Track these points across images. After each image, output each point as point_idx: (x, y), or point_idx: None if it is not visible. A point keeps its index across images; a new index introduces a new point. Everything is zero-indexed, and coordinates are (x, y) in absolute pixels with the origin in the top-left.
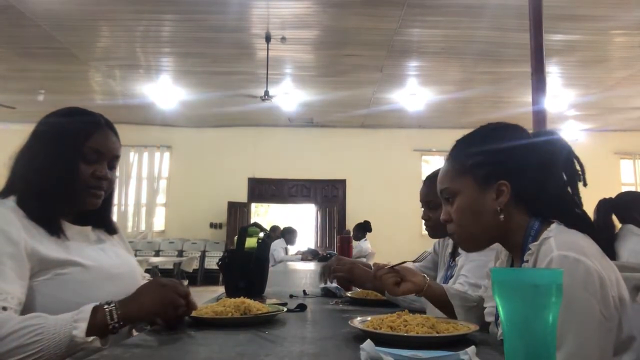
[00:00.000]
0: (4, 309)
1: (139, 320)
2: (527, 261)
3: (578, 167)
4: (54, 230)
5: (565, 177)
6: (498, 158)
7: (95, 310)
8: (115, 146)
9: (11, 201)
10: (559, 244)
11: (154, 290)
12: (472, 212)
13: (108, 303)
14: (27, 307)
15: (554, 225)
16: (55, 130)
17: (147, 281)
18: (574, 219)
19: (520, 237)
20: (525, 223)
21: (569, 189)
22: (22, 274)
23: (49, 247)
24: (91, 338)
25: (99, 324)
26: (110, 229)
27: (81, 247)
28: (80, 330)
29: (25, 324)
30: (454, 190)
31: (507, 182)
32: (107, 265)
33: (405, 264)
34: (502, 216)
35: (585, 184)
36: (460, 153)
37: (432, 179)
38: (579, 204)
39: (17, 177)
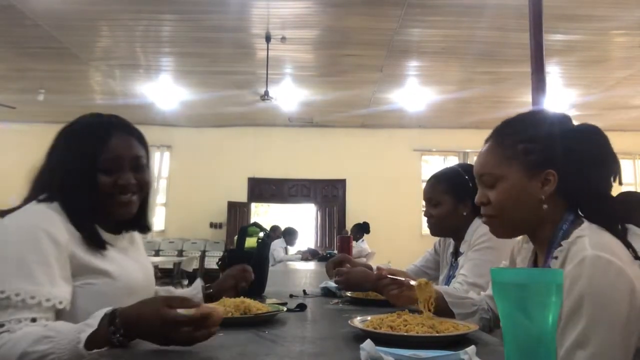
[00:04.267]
0: (34, 320)
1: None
2: (555, 257)
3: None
4: (92, 240)
5: (607, 174)
6: (549, 145)
7: (96, 339)
8: (136, 148)
9: (56, 204)
10: (593, 243)
11: (156, 328)
12: (516, 199)
13: (113, 332)
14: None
15: (586, 224)
16: (69, 145)
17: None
18: (608, 219)
19: (550, 231)
20: (559, 217)
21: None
22: (66, 275)
23: (85, 253)
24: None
25: (103, 346)
26: (144, 227)
27: (111, 256)
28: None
29: (34, 349)
30: (498, 175)
31: (554, 172)
32: (131, 277)
33: (404, 275)
34: (545, 205)
35: (620, 183)
36: (507, 137)
37: (436, 177)
38: (614, 204)
39: (49, 180)
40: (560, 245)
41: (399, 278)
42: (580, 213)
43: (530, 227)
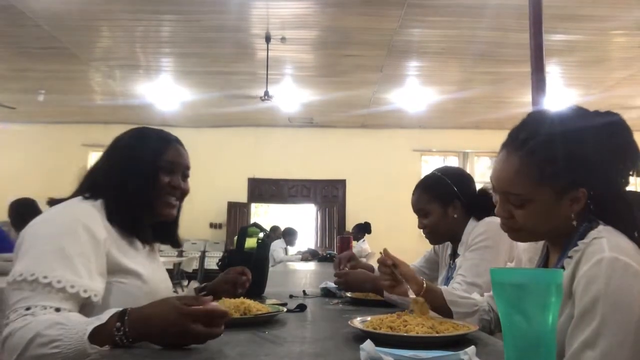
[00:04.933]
0: (57, 310)
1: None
2: (570, 257)
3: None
4: (136, 234)
5: (627, 170)
6: (578, 163)
7: (102, 334)
8: (187, 158)
9: (99, 202)
10: (611, 246)
11: (169, 326)
12: (545, 219)
13: (117, 328)
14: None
15: (602, 226)
16: (135, 145)
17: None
18: (622, 221)
19: (567, 232)
20: (579, 222)
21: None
22: (102, 271)
23: (119, 253)
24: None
25: (107, 343)
26: (175, 242)
27: (141, 261)
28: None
29: (46, 333)
30: (526, 198)
31: (585, 190)
32: (158, 283)
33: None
34: (574, 222)
35: (639, 175)
36: (532, 155)
37: (419, 188)
38: (629, 206)
39: (101, 179)
40: (577, 245)
41: (397, 274)
42: (597, 213)
43: (554, 236)
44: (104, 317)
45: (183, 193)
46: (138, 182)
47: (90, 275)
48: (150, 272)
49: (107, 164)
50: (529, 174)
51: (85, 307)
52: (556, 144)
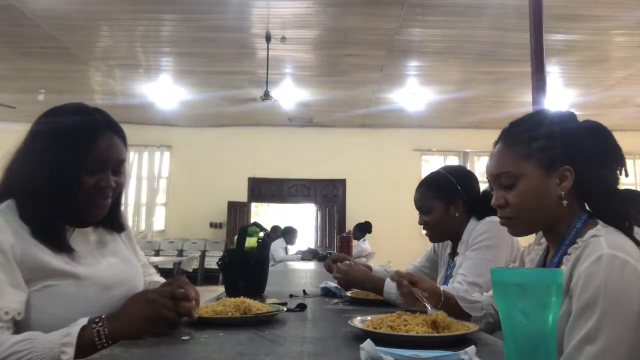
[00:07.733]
0: None
1: (129, 339)
2: (569, 254)
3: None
4: (54, 241)
5: (615, 167)
6: (564, 142)
7: (83, 330)
8: (120, 151)
9: (4, 205)
10: (609, 243)
11: (141, 308)
12: (536, 197)
13: (95, 322)
14: (22, 320)
15: (600, 225)
16: (55, 138)
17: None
18: (618, 218)
19: (564, 228)
20: (573, 215)
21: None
22: (15, 282)
23: (43, 252)
24: None
25: (86, 345)
26: (117, 226)
27: (77, 255)
28: (68, 356)
29: (13, 350)
30: (516, 174)
31: (570, 168)
32: (103, 275)
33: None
34: (565, 202)
35: (627, 175)
36: (520, 136)
37: (423, 184)
38: (624, 201)
39: (15, 178)
40: (576, 242)
41: (416, 293)
42: (591, 211)
43: (548, 224)
44: (78, 323)
45: (116, 189)
46: (58, 185)
47: (2, 292)
48: (90, 264)
49: (21, 165)
50: (516, 150)
51: (16, 323)
52: (540, 126)
